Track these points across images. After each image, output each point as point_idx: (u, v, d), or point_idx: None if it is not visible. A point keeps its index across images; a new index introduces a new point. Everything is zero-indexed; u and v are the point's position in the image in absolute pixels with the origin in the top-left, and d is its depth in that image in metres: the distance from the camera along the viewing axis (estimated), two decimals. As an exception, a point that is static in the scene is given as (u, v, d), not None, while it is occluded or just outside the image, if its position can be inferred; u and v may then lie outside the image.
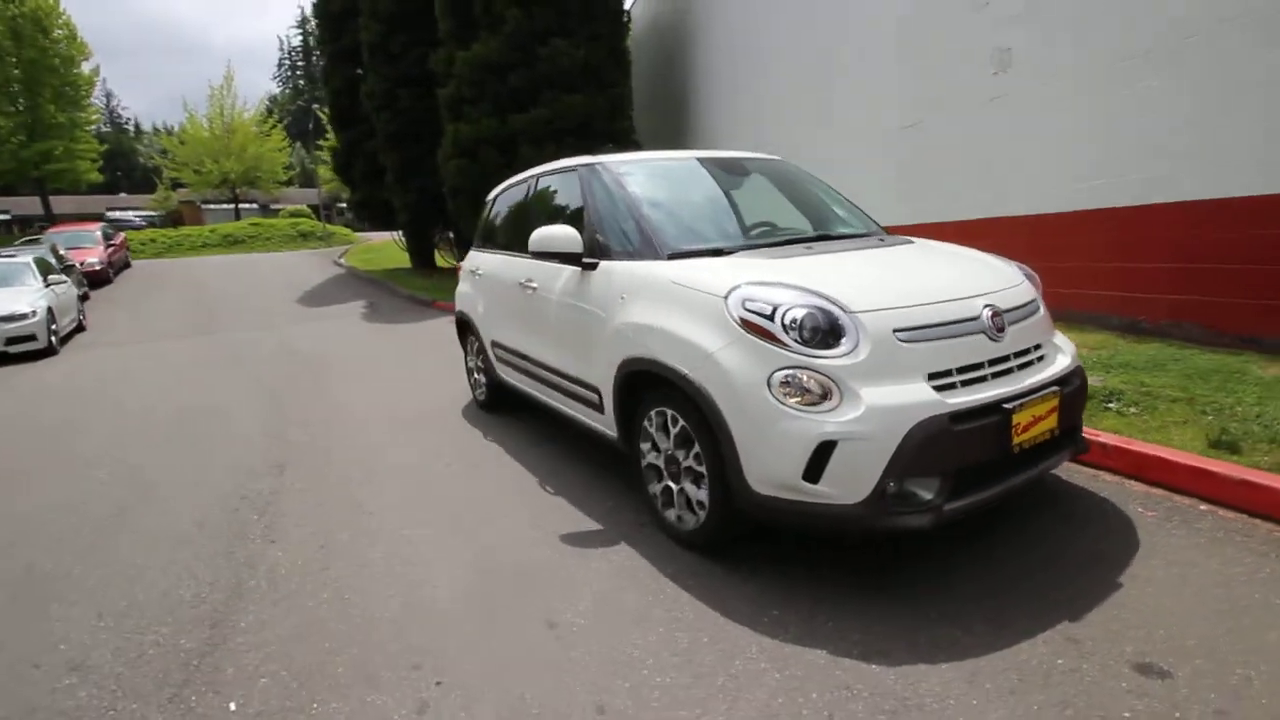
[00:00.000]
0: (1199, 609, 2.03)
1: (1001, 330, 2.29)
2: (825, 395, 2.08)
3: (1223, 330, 4.26)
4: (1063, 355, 2.53)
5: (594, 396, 3.06)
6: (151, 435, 4.68)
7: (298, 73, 65.56)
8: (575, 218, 3.26)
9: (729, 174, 3.49)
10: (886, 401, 2.04)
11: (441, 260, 16.91)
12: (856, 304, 2.18)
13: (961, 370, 2.18)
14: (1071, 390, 2.41)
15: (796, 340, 2.13)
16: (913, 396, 2.07)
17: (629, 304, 2.71)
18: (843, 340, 2.12)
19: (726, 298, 2.30)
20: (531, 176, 3.98)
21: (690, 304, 2.42)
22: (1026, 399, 2.21)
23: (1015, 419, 2.17)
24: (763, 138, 8.42)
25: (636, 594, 2.31)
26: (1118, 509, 2.66)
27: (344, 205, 40.18)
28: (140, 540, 3.04)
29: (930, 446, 2.03)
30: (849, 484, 2.05)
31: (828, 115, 7.64)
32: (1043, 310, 2.61)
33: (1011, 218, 5.57)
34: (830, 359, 2.09)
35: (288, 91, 63.79)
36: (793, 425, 2.07)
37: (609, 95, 10.75)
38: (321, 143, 29.73)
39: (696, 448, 2.41)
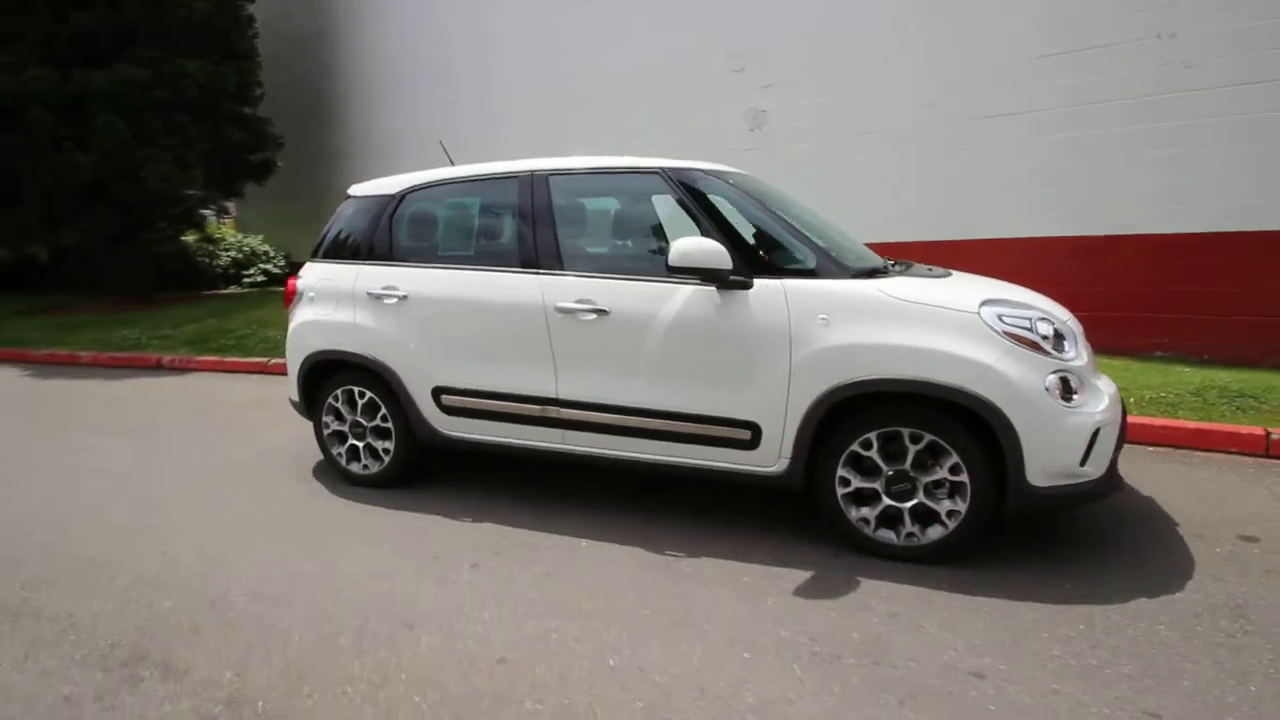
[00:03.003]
0: (1205, 498, 3.14)
1: (1075, 334, 3.09)
2: (1072, 391, 2.48)
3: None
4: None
5: (740, 434, 2.72)
6: None
7: None
8: (660, 228, 2.83)
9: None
10: (1109, 390, 2.58)
11: None
12: (1057, 316, 2.64)
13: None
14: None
15: (1052, 348, 2.47)
16: (1111, 385, 2.66)
17: (837, 325, 2.55)
18: (1067, 345, 2.56)
19: (979, 313, 2.46)
20: (532, 172, 3.10)
21: (938, 321, 2.48)
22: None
23: (1114, 394, 2.99)
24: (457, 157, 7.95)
25: (968, 618, 2.27)
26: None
27: None
28: None
29: (1124, 420, 2.66)
30: (1100, 462, 2.50)
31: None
32: None
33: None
34: (1073, 361, 2.51)
35: None
36: (1075, 420, 2.41)
37: (240, 68, 8.43)
38: None
39: (955, 458, 2.49)
